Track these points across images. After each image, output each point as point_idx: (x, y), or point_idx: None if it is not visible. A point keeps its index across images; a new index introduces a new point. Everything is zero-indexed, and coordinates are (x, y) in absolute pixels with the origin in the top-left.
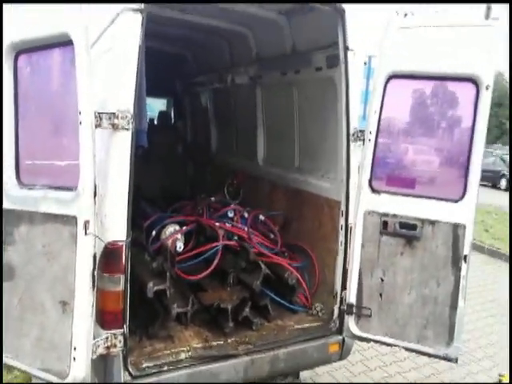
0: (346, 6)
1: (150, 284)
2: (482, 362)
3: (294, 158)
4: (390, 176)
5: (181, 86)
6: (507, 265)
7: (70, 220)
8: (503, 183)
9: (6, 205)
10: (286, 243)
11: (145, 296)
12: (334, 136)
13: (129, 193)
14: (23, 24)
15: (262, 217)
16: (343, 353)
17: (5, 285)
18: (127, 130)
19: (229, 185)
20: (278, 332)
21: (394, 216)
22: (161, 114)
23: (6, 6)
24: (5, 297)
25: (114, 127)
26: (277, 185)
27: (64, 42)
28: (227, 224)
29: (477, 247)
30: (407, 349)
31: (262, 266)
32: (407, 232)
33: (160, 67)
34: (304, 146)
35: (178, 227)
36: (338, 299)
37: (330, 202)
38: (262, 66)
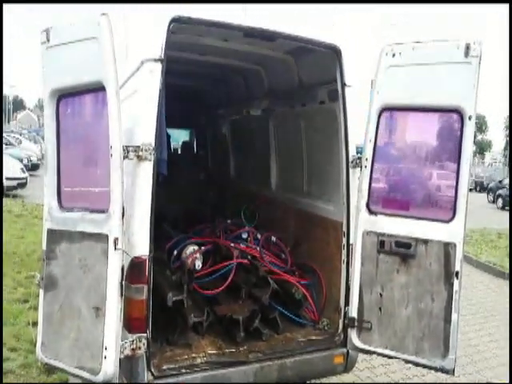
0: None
1: (170, 294)
2: (485, 373)
3: (302, 183)
4: (386, 199)
5: (203, 117)
6: None
7: (102, 237)
8: None
9: (49, 225)
10: (296, 262)
11: (165, 306)
12: (337, 163)
13: (151, 214)
14: (63, 73)
15: (273, 238)
16: (348, 365)
17: (48, 294)
18: (150, 160)
19: (246, 209)
20: (286, 343)
21: (390, 236)
22: (184, 144)
23: (47, 59)
24: (48, 304)
25: (139, 158)
26: (288, 208)
27: (98, 88)
28: (241, 244)
29: (498, 273)
30: (406, 361)
31: (271, 281)
32: (402, 250)
33: (184, 101)
34: (311, 172)
35: (196, 247)
36: (342, 314)
37: (334, 224)
38: (273, 99)
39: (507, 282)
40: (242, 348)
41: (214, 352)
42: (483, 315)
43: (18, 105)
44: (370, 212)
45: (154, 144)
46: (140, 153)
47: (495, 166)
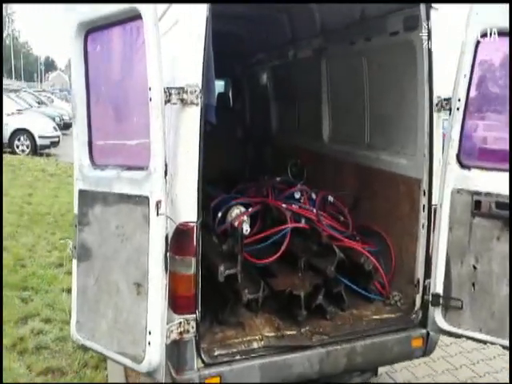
0: None
1: (222, 268)
2: None
3: (363, 133)
4: (482, 149)
5: (239, 66)
6: None
7: (142, 200)
8: None
9: (81, 186)
10: (357, 226)
11: (215, 280)
12: (412, 107)
13: (199, 171)
14: (91, 4)
15: (331, 198)
16: (427, 348)
17: (81, 265)
18: (196, 104)
19: (292, 165)
20: (354, 322)
21: (489, 195)
22: (218, 96)
23: None
24: (82, 277)
25: (183, 102)
26: (344, 163)
27: (132, 17)
28: (294, 205)
29: None
30: (505, 347)
31: (336, 250)
32: (505, 213)
33: (217, 47)
34: (375, 120)
35: (243, 209)
36: (421, 288)
37: (407, 180)
38: (327, 37)
39: None
40: (303, 329)
41: (272, 334)
42: None
43: (50, 65)
44: (462, 166)
45: (200, 85)
46: (184, 95)
47: None
